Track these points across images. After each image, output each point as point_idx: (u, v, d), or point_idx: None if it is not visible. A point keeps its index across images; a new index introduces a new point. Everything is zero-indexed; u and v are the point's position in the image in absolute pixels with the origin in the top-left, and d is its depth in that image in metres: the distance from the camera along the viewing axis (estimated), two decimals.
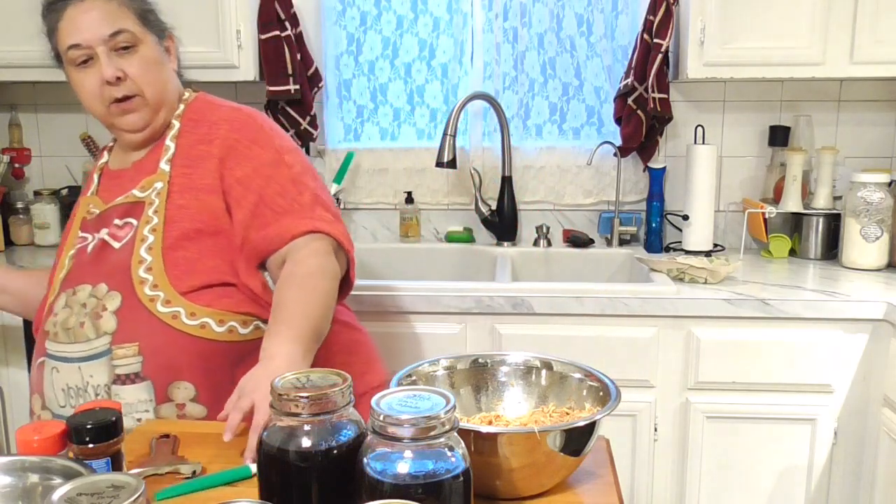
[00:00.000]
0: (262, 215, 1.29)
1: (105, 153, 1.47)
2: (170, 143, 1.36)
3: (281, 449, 0.80)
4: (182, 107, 1.40)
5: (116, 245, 1.30)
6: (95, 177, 1.43)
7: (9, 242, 2.51)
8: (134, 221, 1.31)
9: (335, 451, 0.80)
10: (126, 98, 1.31)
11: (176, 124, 1.38)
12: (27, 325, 1.96)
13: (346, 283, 1.36)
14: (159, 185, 1.32)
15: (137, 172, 1.36)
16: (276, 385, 0.82)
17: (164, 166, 1.34)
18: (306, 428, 0.80)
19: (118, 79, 1.29)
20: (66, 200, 2.48)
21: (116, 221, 1.32)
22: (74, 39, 1.28)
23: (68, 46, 1.29)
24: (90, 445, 0.85)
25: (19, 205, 2.51)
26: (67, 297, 1.29)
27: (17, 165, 2.53)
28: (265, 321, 1.29)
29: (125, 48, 1.29)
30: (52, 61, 1.37)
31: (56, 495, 0.65)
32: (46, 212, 2.47)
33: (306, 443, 0.80)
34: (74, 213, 1.41)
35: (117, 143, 1.45)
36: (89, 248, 1.32)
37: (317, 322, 1.18)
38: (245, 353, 1.26)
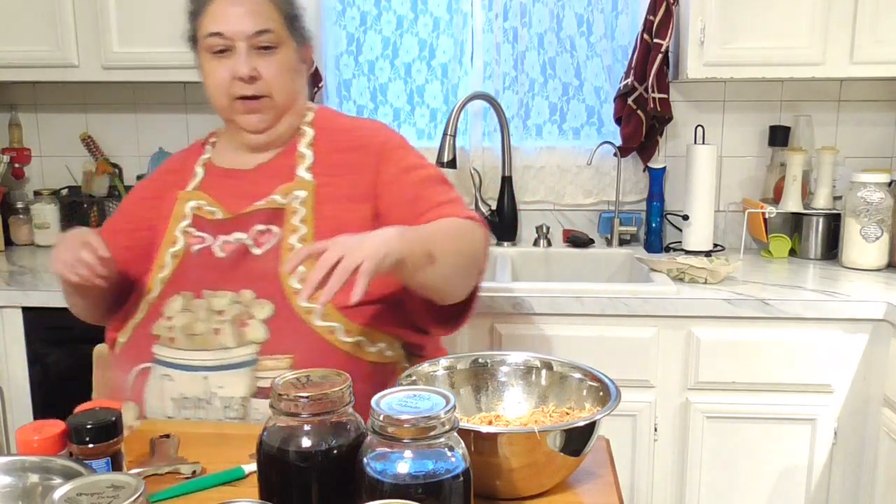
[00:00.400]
0: (420, 206, 1.25)
1: (205, 147, 1.40)
2: (305, 150, 1.32)
3: (281, 449, 0.80)
4: (311, 114, 1.36)
5: (258, 252, 1.25)
6: (199, 170, 1.36)
7: (9, 242, 2.51)
8: (275, 229, 1.25)
9: (335, 451, 0.80)
10: (254, 97, 1.27)
11: (309, 131, 1.34)
12: (27, 324, 1.96)
13: (465, 311, 1.27)
14: (302, 193, 1.27)
15: (265, 177, 1.31)
16: (276, 385, 0.82)
17: (305, 174, 1.29)
18: (306, 428, 0.80)
19: (252, 77, 1.25)
20: (66, 200, 2.49)
21: (259, 227, 1.26)
22: (218, 28, 1.24)
23: (210, 33, 1.25)
24: (90, 445, 0.85)
25: (19, 205, 2.51)
26: (186, 301, 1.23)
27: (17, 165, 2.53)
28: (409, 347, 1.27)
29: (265, 48, 1.26)
30: (184, 41, 1.32)
31: (56, 495, 0.65)
32: (46, 212, 2.47)
33: (306, 443, 0.80)
34: (171, 208, 1.33)
35: (224, 139, 1.39)
36: (217, 250, 1.26)
37: (435, 244, 1.10)
38: (386, 379, 1.21)
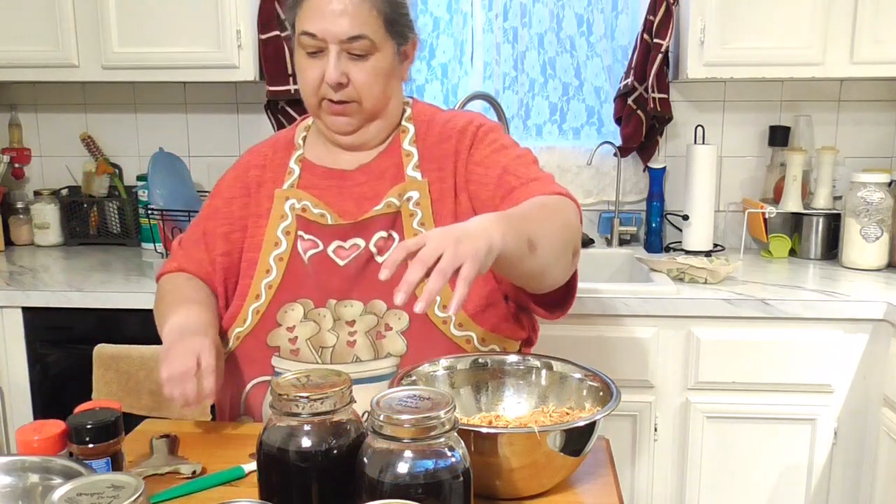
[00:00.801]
0: (507, 183, 1.18)
1: (295, 141, 1.32)
2: (410, 147, 1.26)
3: (281, 449, 0.80)
4: (409, 110, 1.30)
5: (380, 259, 1.19)
6: (294, 167, 1.29)
7: (9, 242, 2.51)
8: (396, 235, 1.21)
9: (335, 451, 0.80)
10: (341, 102, 1.20)
11: (410, 127, 1.28)
12: (27, 324, 1.96)
13: (564, 298, 1.19)
14: (415, 194, 1.22)
15: (371, 178, 1.25)
16: (275, 385, 0.82)
17: (414, 173, 1.23)
18: (306, 428, 0.80)
19: (340, 84, 1.18)
20: (66, 200, 2.48)
21: (381, 234, 1.21)
22: (311, 28, 1.17)
23: (303, 31, 1.18)
24: (90, 445, 0.86)
25: (19, 205, 2.51)
26: (307, 310, 1.19)
27: (17, 165, 2.53)
28: (524, 344, 1.24)
29: (358, 55, 1.18)
30: (286, 26, 1.26)
31: (56, 495, 0.65)
32: (46, 212, 2.47)
33: (306, 443, 0.80)
34: (265, 206, 1.27)
35: (315, 135, 1.32)
36: (334, 256, 1.21)
37: (534, 229, 1.00)
38: None
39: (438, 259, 0.85)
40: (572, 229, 1.11)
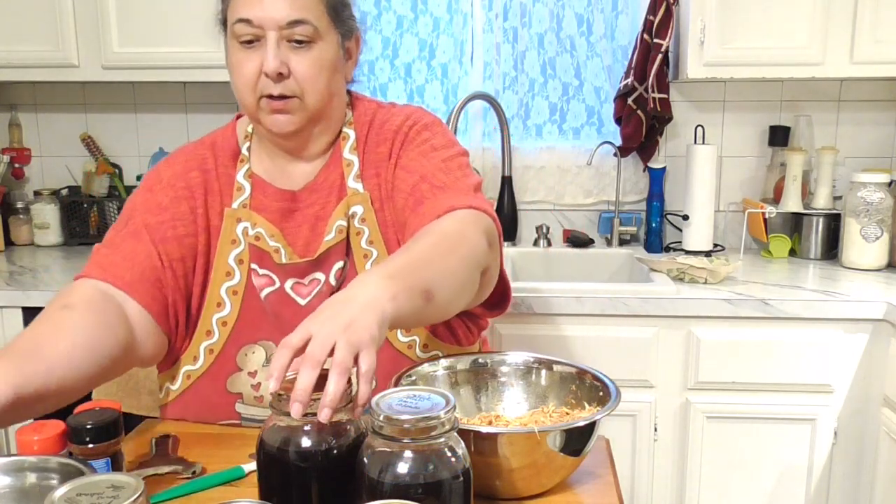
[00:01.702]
0: (420, 192, 1.10)
1: (244, 153, 1.20)
2: (350, 155, 1.17)
3: (281, 449, 0.80)
4: (350, 113, 1.20)
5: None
6: (244, 183, 1.17)
7: (9, 242, 2.51)
8: (349, 260, 1.13)
9: (335, 451, 0.80)
10: (282, 97, 1.09)
11: (351, 133, 1.18)
12: (26, 324, 1.95)
13: (500, 299, 1.14)
14: (359, 209, 1.14)
15: (319, 196, 1.17)
16: (274, 385, 0.82)
17: (355, 184, 1.15)
18: (306, 428, 0.80)
19: (280, 74, 1.07)
20: (66, 200, 2.48)
21: (339, 264, 1.13)
22: (246, 14, 1.07)
23: (238, 19, 1.08)
24: (90, 445, 0.85)
25: (19, 205, 2.51)
26: (269, 354, 1.11)
27: (17, 165, 2.53)
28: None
29: (300, 42, 1.08)
30: (217, 24, 1.16)
31: (56, 495, 0.65)
32: (46, 212, 2.47)
33: (306, 443, 0.80)
34: (212, 223, 1.15)
35: (259, 144, 1.20)
36: (293, 294, 1.13)
37: (428, 276, 0.90)
38: None
39: (330, 352, 0.75)
40: (475, 254, 1.00)
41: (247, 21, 1.07)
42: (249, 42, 1.08)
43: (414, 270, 0.89)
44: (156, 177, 1.17)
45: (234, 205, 1.16)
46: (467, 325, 1.21)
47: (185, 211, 1.14)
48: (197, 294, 1.14)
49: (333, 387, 0.74)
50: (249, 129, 1.21)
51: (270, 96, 1.09)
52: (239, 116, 1.25)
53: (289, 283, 1.14)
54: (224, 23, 1.13)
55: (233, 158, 1.20)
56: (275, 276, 1.14)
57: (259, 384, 1.11)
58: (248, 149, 1.20)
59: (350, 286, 0.85)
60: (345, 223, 1.14)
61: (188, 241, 1.13)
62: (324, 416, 0.74)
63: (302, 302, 1.13)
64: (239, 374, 1.12)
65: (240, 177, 1.17)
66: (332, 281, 1.13)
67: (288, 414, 0.79)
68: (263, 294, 1.13)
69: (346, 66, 1.18)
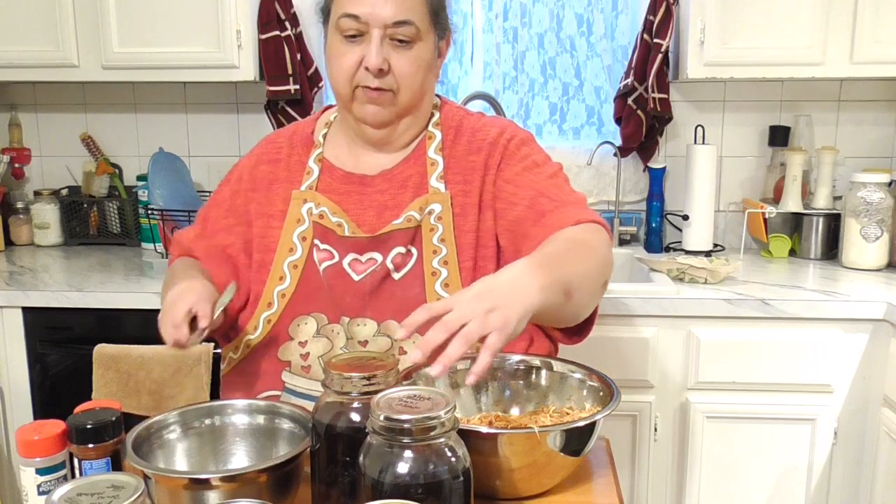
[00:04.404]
0: (541, 206, 1.13)
1: (314, 138, 1.27)
2: (435, 155, 1.20)
3: (330, 425, 0.82)
4: (437, 114, 1.24)
5: (397, 276, 1.16)
6: (313, 167, 1.23)
7: (9, 242, 2.51)
8: (414, 250, 1.16)
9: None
10: (378, 90, 1.14)
11: (437, 134, 1.22)
12: (27, 324, 1.96)
13: (583, 324, 1.13)
14: (437, 207, 1.17)
15: (394, 186, 1.20)
16: (328, 363, 0.84)
17: (438, 184, 1.18)
18: (355, 405, 0.82)
19: (381, 70, 1.12)
20: (66, 200, 2.48)
21: (399, 249, 1.16)
22: (354, 10, 1.11)
23: (344, 14, 1.12)
24: (90, 445, 0.85)
25: (19, 205, 2.51)
26: (321, 325, 1.15)
27: (17, 165, 2.53)
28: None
29: (401, 41, 1.13)
30: (316, 11, 1.21)
31: (56, 495, 0.65)
32: (46, 212, 2.47)
33: (356, 417, 0.82)
34: (280, 207, 1.22)
35: (337, 132, 1.26)
36: (349, 270, 1.17)
37: (571, 273, 0.94)
38: None
39: (463, 325, 0.81)
40: (606, 265, 1.06)
41: (354, 17, 1.11)
42: (353, 36, 1.13)
43: (560, 267, 0.94)
44: (232, 169, 1.31)
45: (302, 187, 1.22)
46: (531, 342, 1.20)
47: (240, 203, 1.26)
48: (254, 270, 1.23)
49: (452, 350, 0.81)
50: (332, 117, 1.27)
51: (367, 87, 1.14)
52: (325, 110, 1.32)
53: (348, 259, 1.18)
54: (325, 13, 1.18)
55: (307, 147, 1.26)
56: (335, 251, 1.18)
57: (308, 354, 1.16)
58: (324, 136, 1.26)
59: (501, 271, 0.90)
60: (418, 216, 1.17)
61: (238, 230, 1.25)
62: (435, 371, 0.81)
63: (356, 278, 1.16)
64: (290, 342, 1.17)
65: (310, 161, 1.24)
66: (389, 264, 1.16)
67: (339, 392, 0.82)
68: (322, 267, 1.18)
69: (437, 64, 1.22)
